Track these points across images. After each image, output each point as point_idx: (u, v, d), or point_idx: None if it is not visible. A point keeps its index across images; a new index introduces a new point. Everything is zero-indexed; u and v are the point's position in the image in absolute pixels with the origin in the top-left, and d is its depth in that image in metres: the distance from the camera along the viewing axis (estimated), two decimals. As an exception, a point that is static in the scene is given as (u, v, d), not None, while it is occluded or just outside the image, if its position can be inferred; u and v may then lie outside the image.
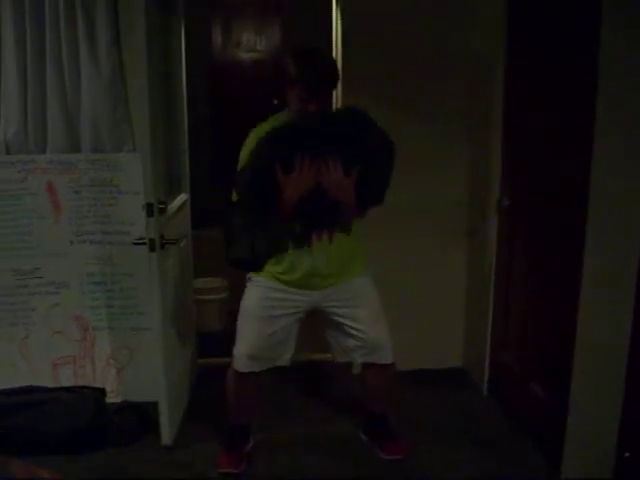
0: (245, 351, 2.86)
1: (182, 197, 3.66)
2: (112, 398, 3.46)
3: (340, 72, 3.63)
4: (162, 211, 2.97)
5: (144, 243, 2.93)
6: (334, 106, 3.83)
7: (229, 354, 2.95)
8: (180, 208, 3.53)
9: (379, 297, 2.95)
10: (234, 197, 2.80)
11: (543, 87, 3.07)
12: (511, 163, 3.40)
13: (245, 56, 6.63)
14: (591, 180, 2.60)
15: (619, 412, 2.77)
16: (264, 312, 2.83)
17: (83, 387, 3.39)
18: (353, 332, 2.88)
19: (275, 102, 7.13)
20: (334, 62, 2.86)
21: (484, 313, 3.66)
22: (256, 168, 2.69)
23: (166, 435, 3.14)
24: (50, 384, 3.44)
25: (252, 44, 6.60)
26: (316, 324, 3.01)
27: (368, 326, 2.88)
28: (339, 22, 3.67)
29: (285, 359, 2.93)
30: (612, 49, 2.50)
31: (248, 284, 2.90)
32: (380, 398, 3.14)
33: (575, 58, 2.78)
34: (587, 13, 2.60)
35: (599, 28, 2.48)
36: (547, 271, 3.06)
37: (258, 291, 2.85)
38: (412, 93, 3.68)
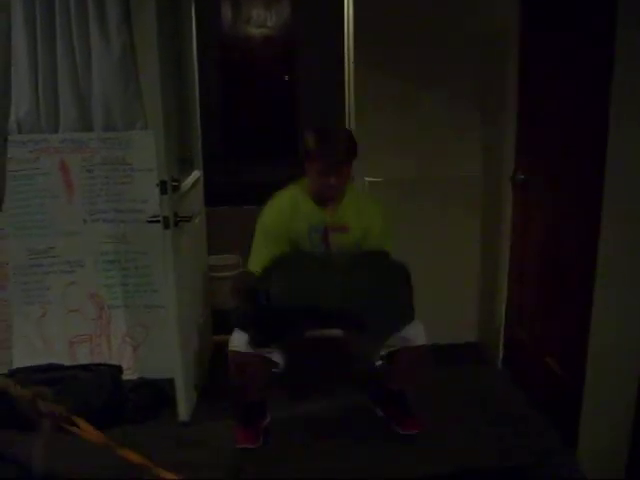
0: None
1: (195, 174, 3.65)
2: (128, 375, 3.49)
3: (352, 48, 3.64)
4: (175, 189, 2.97)
5: (158, 221, 2.93)
6: (345, 85, 3.83)
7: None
8: (193, 185, 3.53)
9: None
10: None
11: (558, 63, 3.03)
12: (525, 138, 3.37)
13: (255, 32, 6.58)
14: (607, 154, 2.57)
15: (636, 387, 2.75)
16: None
17: (100, 365, 3.41)
18: None
19: (286, 78, 7.14)
20: (351, 138, 2.90)
21: (499, 288, 3.65)
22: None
23: (182, 411, 3.16)
24: (67, 362, 3.47)
25: (262, 20, 6.55)
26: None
27: None
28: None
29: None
30: (629, 29, 2.43)
31: None
32: (404, 377, 3.11)
33: (590, 34, 2.73)
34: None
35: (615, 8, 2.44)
36: (562, 246, 3.04)
37: None
38: (427, 69, 3.65)
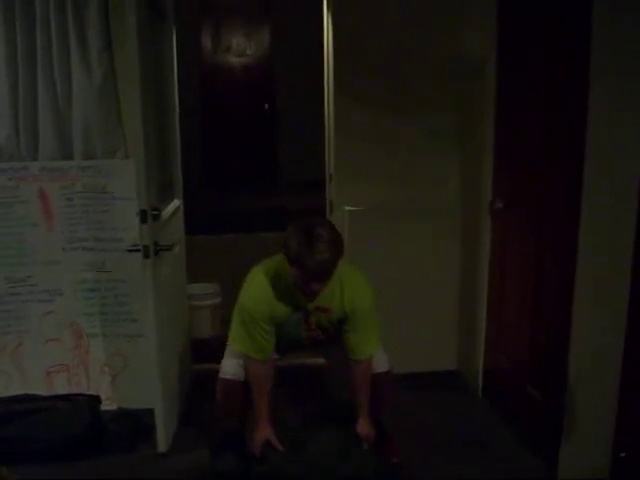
0: (233, 359, 2.89)
1: (175, 203, 3.65)
2: (107, 406, 3.44)
3: (332, 78, 3.67)
4: (156, 217, 2.96)
5: (138, 250, 2.92)
6: (325, 114, 3.86)
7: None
8: (173, 214, 3.52)
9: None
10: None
11: (535, 89, 3.09)
12: (503, 166, 3.41)
13: (235, 60, 6.63)
14: (583, 181, 2.61)
15: (615, 413, 2.77)
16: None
17: (78, 395, 3.37)
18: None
19: (266, 107, 7.18)
20: (337, 242, 2.58)
21: (478, 315, 3.68)
22: None
23: (162, 442, 3.12)
24: (44, 392, 3.42)
25: (242, 49, 6.60)
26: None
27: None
28: (330, 26, 3.67)
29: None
30: (603, 52, 2.51)
31: None
32: (375, 403, 3.13)
33: (566, 61, 2.79)
34: (578, 16, 2.62)
35: (590, 31, 2.50)
36: (540, 273, 3.07)
37: None
38: (404, 95, 3.70)
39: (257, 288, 2.78)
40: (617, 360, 2.73)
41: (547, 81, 2.96)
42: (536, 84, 3.07)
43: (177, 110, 3.70)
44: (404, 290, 3.81)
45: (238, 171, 6.70)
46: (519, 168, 3.27)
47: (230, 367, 2.90)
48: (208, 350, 3.92)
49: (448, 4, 3.59)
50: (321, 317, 2.83)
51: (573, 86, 2.69)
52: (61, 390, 3.46)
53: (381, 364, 2.95)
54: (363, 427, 2.87)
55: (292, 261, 2.55)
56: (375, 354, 2.89)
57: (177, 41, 3.71)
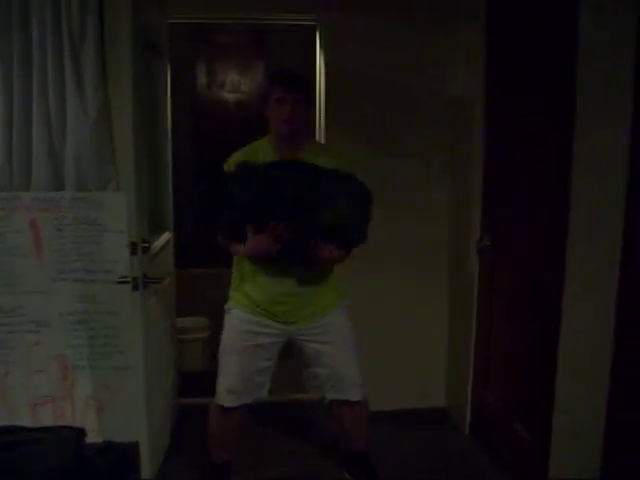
0: (225, 385, 2.91)
1: (166, 235, 3.67)
2: (92, 438, 3.40)
3: (323, 112, 3.72)
4: (145, 250, 2.98)
5: (127, 282, 2.93)
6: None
7: (211, 394, 2.97)
8: (164, 246, 3.54)
9: (352, 333, 2.98)
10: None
11: (523, 126, 3.14)
12: (491, 204, 3.45)
13: (229, 96, 6.69)
14: (570, 220, 2.66)
15: (600, 454, 2.78)
16: (242, 344, 2.89)
17: (63, 427, 3.34)
18: (323, 369, 2.93)
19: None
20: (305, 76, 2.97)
21: (466, 353, 3.68)
22: (216, 192, 2.77)
23: (147, 476, 3.10)
24: (29, 424, 3.38)
25: (236, 85, 6.66)
26: (295, 364, 3.04)
27: (338, 363, 2.93)
28: (322, 63, 3.74)
29: (264, 391, 2.98)
30: (589, 84, 2.58)
31: (226, 315, 2.97)
32: (355, 435, 3.14)
33: (553, 95, 2.84)
34: (564, 49, 2.68)
35: (575, 62, 2.57)
36: (528, 311, 3.09)
37: (235, 323, 2.92)
38: (395, 134, 3.76)
39: (238, 151, 2.99)
40: (603, 400, 2.76)
41: (535, 118, 3.02)
42: (525, 121, 3.12)
43: (170, 144, 3.74)
44: (392, 326, 3.82)
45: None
46: (507, 207, 3.30)
47: (224, 395, 2.93)
48: (195, 385, 3.90)
49: (436, 46, 3.68)
50: None
51: (559, 132, 2.74)
52: (47, 422, 3.42)
53: (357, 390, 2.98)
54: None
55: (266, 91, 2.86)
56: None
57: (171, 76, 3.77)
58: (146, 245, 2.98)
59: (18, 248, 3.35)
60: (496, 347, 3.43)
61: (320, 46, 3.78)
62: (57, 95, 3.27)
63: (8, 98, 3.27)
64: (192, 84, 6.56)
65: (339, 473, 3.24)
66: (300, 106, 2.81)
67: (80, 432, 3.32)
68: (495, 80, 3.37)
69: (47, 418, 3.45)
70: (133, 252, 2.89)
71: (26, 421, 3.40)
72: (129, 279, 2.92)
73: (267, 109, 2.86)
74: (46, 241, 3.38)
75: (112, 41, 3.15)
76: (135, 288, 2.91)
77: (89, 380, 3.47)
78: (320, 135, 3.84)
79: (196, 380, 4.12)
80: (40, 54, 3.24)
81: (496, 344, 3.42)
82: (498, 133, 3.37)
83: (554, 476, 2.80)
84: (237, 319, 2.92)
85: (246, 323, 2.89)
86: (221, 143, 6.92)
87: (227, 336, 2.94)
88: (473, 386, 3.64)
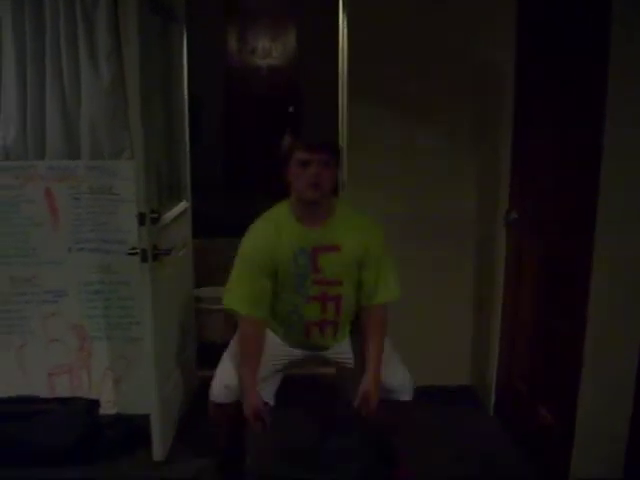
0: (224, 381, 2.74)
1: (182, 205, 3.59)
2: (108, 409, 3.40)
3: (346, 82, 3.57)
4: (155, 221, 2.90)
5: (137, 253, 2.87)
6: (340, 122, 3.75)
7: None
8: (180, 216, 3.46)
9: (389, 339, 2.78)
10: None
11: (553, 101, 2.97)
12: (519, 177, 3.29)
13: (261, 62, 6.58)
14: (599, 194, 2.51)
15: (625, 439, 2.65)
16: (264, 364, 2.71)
17: (77, 398, 3.33)
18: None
19: (290, 109, 7.11)
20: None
21: (491, 331, 3.55)
22: None
23: (157, 450, 3.06)
24: (45, 394, 3.40)
25: (267, 50, 6.55)
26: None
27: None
28: (345, 29, 3.59)
29: (269, 397, 2.79)
30: (622, 65, 2.42)
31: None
32: (391, 429, 3.00)
33: (585, 73, 2.67)
34: (597, 28, 2.51)
35: (609, 42, 2.40)
36: (555, 288, 2.93)
37: None
38: (424, 103, 3.58)
39: (257, 229, 2.65)
40: (630, 385, 2.63)
41: (566, 95, 2.84)
42: (554, 97, 2.95)
43: (186, 111, 3.64)
44: (418, 303, 3.68)
45: (260, 174, 6.64)
46: (536, 180, 3.14)
47: (220, 390, 2.75)
48: (216, 355, 3.85)
49: (466, 10, 3.48)
50: (331, 258, 2.58)
51: (591, 100, 2.57)
52: (62, 392, 3.43)
53: (405, 389, 2.78)
54: (366, 384, 2.58)
55: (288, 152, 2.50)
56: (393, 299, 2.71)
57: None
58: (155, 216, 2.89)
59: (33, 218, 3.34)
60: (522, 327, 3.28)
61: (343, 9, 3.63)
62: (70, 61, 3.22)
63: (21, 66, 3.22)
64: (223, 49, 6.47)
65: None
66: (328, 165, 2.50)
67: (93, 404, 3.31)
68: (526, 49, 3.17)
69: (63, 389, 3.46)
70: (142, 223, 2.81)
71: (42, 390, 3.41)
72: (138, 250, 2.85)
73: (285, 165, 2.54)
74: (62, 211, 3.35)
75: (125, 4, 3.06)
76: (144, 260, 2.84)
77: (106, 351, 3.46)
78: (342, 105, 3.70)
79: (217, 351, 4.08)
80: (52, 19, 3.17)
81: (522, 324, 3.27)
82: (528, 106, 3.19)
83: (576, 473, 2.70)
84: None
85: (272, 347, 2.74)
86: (252, 109, 6.89)
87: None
88: (498, 367, 3.51)
